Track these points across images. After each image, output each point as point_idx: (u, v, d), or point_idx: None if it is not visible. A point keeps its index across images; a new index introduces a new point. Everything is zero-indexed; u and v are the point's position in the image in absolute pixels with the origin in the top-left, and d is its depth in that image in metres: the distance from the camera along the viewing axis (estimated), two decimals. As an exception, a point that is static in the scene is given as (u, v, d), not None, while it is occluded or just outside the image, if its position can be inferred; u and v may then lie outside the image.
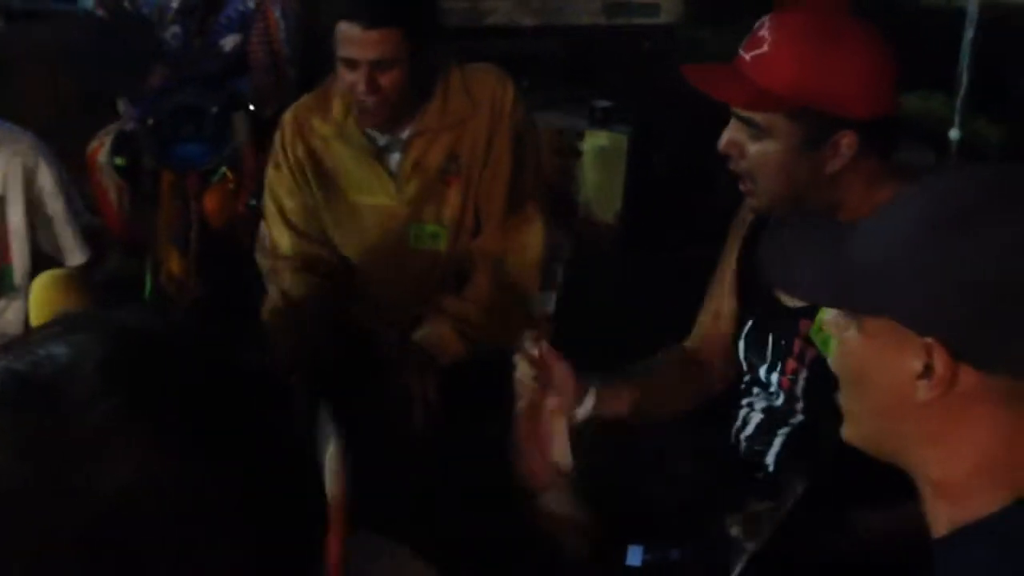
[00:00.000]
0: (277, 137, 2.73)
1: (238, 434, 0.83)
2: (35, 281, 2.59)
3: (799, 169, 1.78)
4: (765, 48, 1.76)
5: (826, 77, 1.73)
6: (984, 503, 1.06)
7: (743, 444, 1.99)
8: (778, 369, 1.92)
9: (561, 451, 1.79)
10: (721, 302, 2.08)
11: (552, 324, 2.72)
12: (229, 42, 3.34)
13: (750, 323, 1.98)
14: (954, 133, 3.57)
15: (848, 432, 1.17)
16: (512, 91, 2.66)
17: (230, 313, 2.99)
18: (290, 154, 2.69)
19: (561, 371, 1.80)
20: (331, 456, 1.09)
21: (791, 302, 1.89)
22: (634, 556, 1.76)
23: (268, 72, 3.34)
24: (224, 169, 3.17)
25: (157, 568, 0.77)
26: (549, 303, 2.80)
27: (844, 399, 1.17)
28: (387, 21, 2.44)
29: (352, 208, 2.69)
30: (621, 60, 4.91)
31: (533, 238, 2.68)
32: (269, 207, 2.75)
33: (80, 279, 2.66)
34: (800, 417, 1.91)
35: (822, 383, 1.79)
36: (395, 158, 2.65)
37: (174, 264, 3.24)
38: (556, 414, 1.79)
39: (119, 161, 3.19)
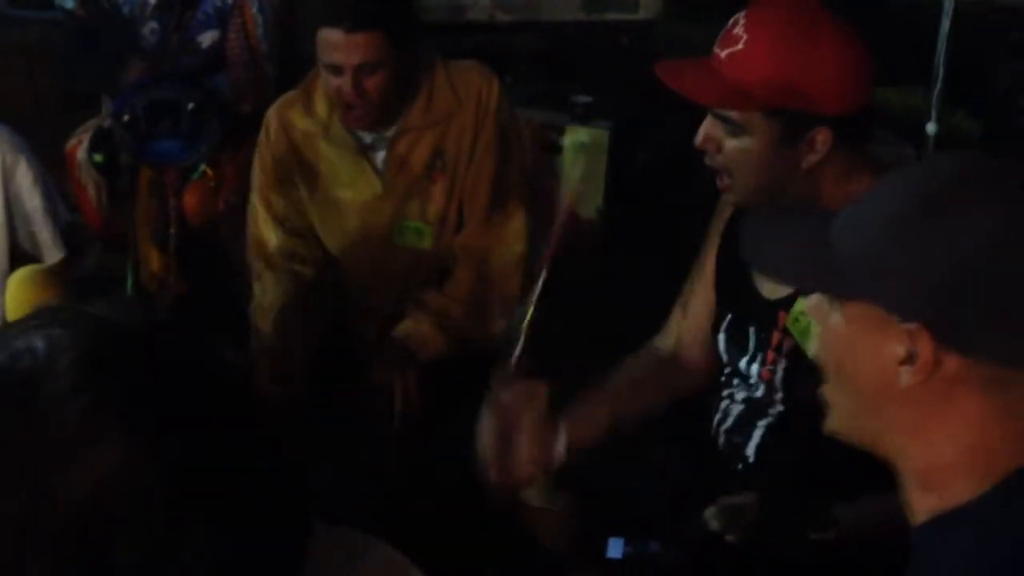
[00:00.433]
0: (261, 134, 2.72)
1: (213, 432, 0.83)
2: (12, 277, 2.57)
3: (775, 165, 1.79)
4: (740, 46, 1.75)
5: (802, 76, 1.73)
6: (963, 490, 1.06)
7: (723, 436, 1.99)
8: (758, 360, 1.92)
9: (537, 449, 1.80)
10: (701, 296, 2.08)
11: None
12: (207, 38, 3.32)
13: (729, 316, 1.99)
14: (931, 127, 3.57)
15: (830, 421, 1.17)
16: (497, 88, 2.65)
17: (212, 310, 2.98)
18: (275, 151, 2.69)
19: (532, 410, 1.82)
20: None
21: (770, 294, 1.90)
22: (614, 548, 1.76)
23: (246, 68, 3.32)
24: (204, 166, 3.16)
25: (131, 566, 0.77)
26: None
27: (827, 388, 1.16)
28: (369, 24, 2.43)
29: (336, 204, 2.69)
30: (601, 55, 4.90)
31: (516, 234, 2.68)
32: (255, 204, 2.74)
33: (58, 275, 2.64)
34: (780, 408, 1.91)
35: (801, 373, 1.80)
36: (381, 156, 2.65)
37: (154, 261, 3.22)
38: (529, 413, 1.80)
39: (98, 157, 3.17)
